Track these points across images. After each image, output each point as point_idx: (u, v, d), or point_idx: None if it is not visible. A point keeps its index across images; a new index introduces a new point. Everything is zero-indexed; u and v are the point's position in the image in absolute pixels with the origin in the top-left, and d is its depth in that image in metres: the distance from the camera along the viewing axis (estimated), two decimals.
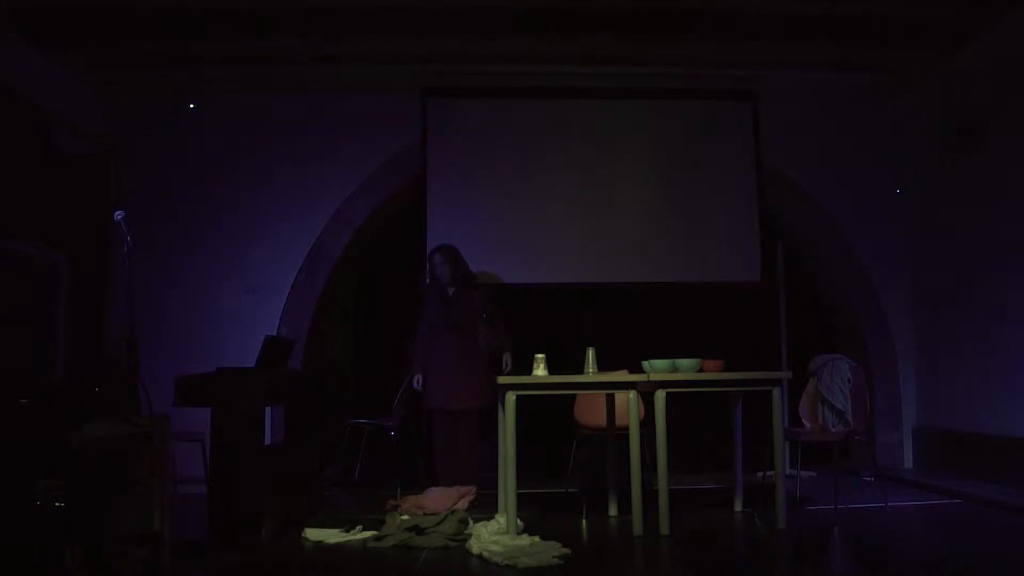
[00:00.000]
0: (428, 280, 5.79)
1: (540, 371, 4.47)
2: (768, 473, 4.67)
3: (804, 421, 5.20)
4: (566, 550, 3.80)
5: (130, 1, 5.20)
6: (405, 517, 4.49)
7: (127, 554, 2.93)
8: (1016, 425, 5.32)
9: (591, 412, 5.25)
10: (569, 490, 5.45)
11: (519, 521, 4.25)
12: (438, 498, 4.91)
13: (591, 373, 4.58)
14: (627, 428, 4.42)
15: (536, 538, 4.03)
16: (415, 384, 5.58)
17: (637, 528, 4.24)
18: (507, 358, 5.53)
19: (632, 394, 4.47)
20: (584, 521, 4.70)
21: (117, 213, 3.65)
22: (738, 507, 4.90)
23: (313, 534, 4.27)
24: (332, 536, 4.24)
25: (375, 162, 6.57)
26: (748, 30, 5.70)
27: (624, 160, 6.66)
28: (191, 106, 6.41)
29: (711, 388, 4.58)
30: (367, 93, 6.56)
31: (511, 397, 4.27)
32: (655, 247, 6.63)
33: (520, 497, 4.29)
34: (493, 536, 4.05)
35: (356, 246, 6.79)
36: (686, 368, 4.48)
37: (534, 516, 4.66)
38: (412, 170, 6.60)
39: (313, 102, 6.56)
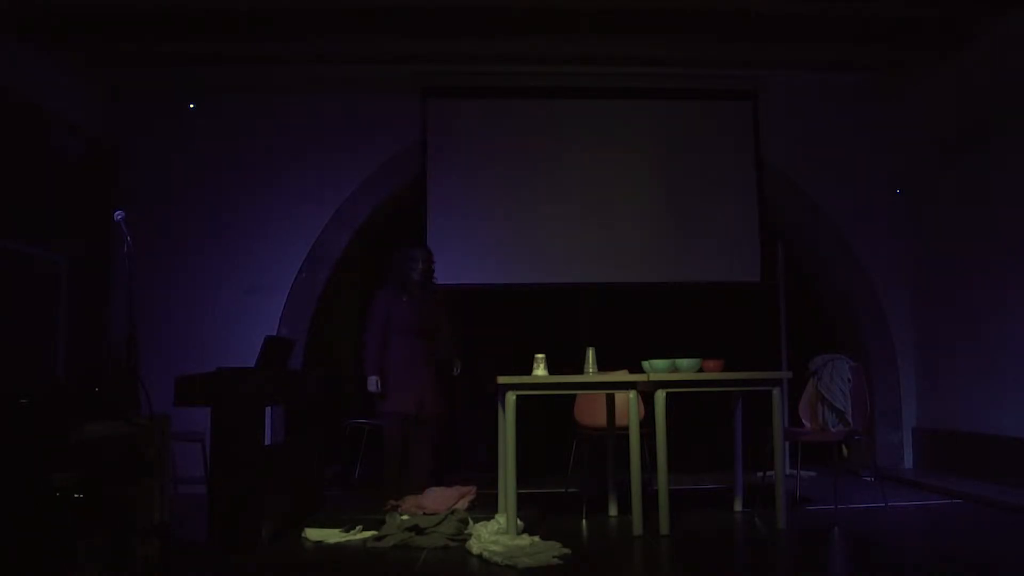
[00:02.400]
0: (393, 277, 5.39)
1: (540, 371, 4.46)
2: (768, 473, 4.66)
3: (804, 421, 5.20)
4: (566, 550, 3.80)
5: (130, 1, 5.21)
6: (405, 517, 4.49)
7: (132, 551, 2.94)
8: (1016, 425, 5.32)
9: (591, 412, 5.25)
10: (569, 490, 5.45)
11: (519, 521, 4.25)
12: (438, 498, 4.90)
13: (591, 373, 4.58)
14: (627, 428, 4.42)
15: (536, 538, 4.03)
16: (372, 386, 5.20)
17: (637, 528, 4.24)
18: (458, 365, 5.42)
19: (632, 394, 4.47)
20: (584, 521, 4.69)
21: (117, 213, 3.65)
22: (738, 507, 4.89)
23: (313, 534, 4.27)
24: (332, 536, 4.24)
25: (375, 162, 6.57)
26: (748, 30, 5.70)
27: (624, 160, 6.67)
28: (191, 106, 6.42)
29: (711, 388, 4.58)
30: (367, 93, 6.57)
31: (511, 397, 4.26)
32: (655, 247, 6.63)
33: (520, 497, 4.29)
34: (493, 536, 4.05)
35: (356, 246, 6.79)
36: (686, 368, 4.48)
37: (534, 516, 4.66)
38: (412, 170, 6.60)
39: (313, 102, 6.57)
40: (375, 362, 5.23)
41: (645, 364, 4.56)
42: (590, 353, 4.61)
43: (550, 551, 3.76)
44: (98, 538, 2.68)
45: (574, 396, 5.39)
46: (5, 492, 2.48)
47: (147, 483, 3.06)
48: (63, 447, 2.56)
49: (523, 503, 4.43)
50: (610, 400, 4.99)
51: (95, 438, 2.73)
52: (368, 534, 4.25)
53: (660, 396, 4.31)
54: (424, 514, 4.57)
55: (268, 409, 4.86)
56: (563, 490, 5.50)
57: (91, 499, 2.61)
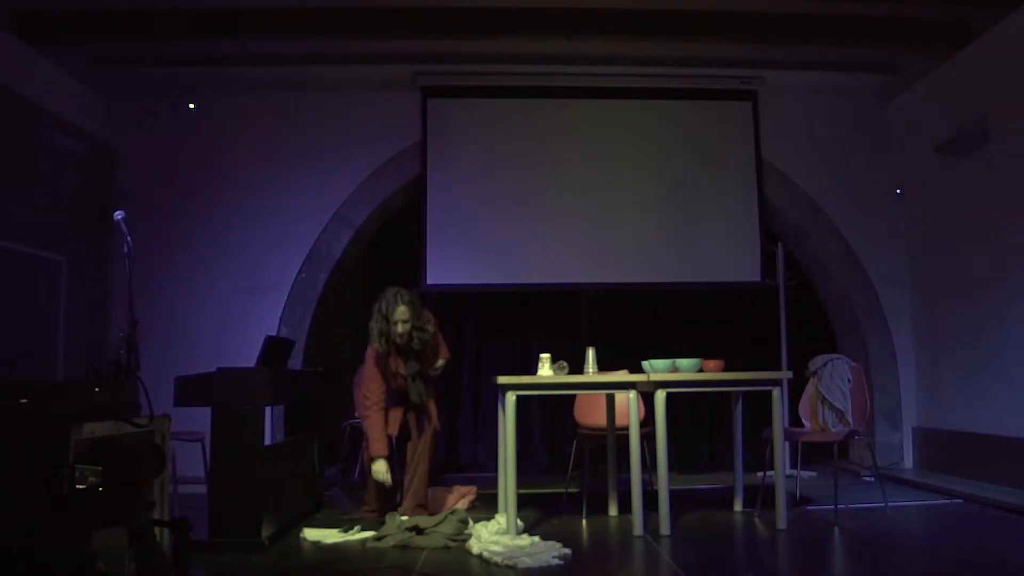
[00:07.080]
0: (376, 330, 4.68)
1: (546, 371, 4.44)
2: (768, 473, 4.67)
3: (804, 421, 5.20)
4: (566, 550, 3.80)
5: (130, 1, 5.21)
6: (405, 517, 4.49)
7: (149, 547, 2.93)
8: (1016, 425, 5.32)
9: (591, 412, 5.25)
10: (569, 490, 5.45)
11: (519, 521, 4.25)
12: (438, 498, 4.91)
13: (591, 373, 4.58)
14: (627, 428, 4.42)
15: (536, 538, 4.03)
16: (381, 474, 4.53)
17: (637, 528, 4.24)
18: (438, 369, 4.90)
19: (632, 394, 4.47)
20: (584, 521, 4.70)
21: (117, 213, 3.65)
22: (738, 507, 4.89)
23: (312, 534, 4.28)
24: (330, 536, 4.24)
25: (375, 162, 6.58)
26: (748, 30, 5.71)
27: (624, 160, 6.67)
28: (191, 106, 6.41)
29: (711, 388, 4.57)
30: (367, 93, 6.57)
31: (511, 397, 4.26)
32: (655, 247, 6.63)
33: (520, 497, 4.29)
34: (493, 536, 4.05)
35: (356, 246, 6.79)
36: (686, 368, 4.47)
37: (534, 516, 4.66)
38: (412, 170, 6.60)
39: (313, 102, 6.57)
40: (384, 440, 4.56)
41: (645, 364, 4.56)
42: (590, 353, 4.61)
43: (550, 551, 3.76)
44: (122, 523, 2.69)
45: (575, 396, 5.39)
46: (7, 492, 2.48)
47: (150, 483, 3.05)
48: (64, 447, 2.56)
49: (523, 503, 4.43)
50: (610, 400, 4.99)
51: (96, 438, 2.73)
52: (367, 534, 4.25)
53: (660, 396, 4.31)
54: (424, 514, 4.57)
55: (268, 409, 4.86)
56: (563, 490, 5.50)
57: (100, 496, 2.61)
